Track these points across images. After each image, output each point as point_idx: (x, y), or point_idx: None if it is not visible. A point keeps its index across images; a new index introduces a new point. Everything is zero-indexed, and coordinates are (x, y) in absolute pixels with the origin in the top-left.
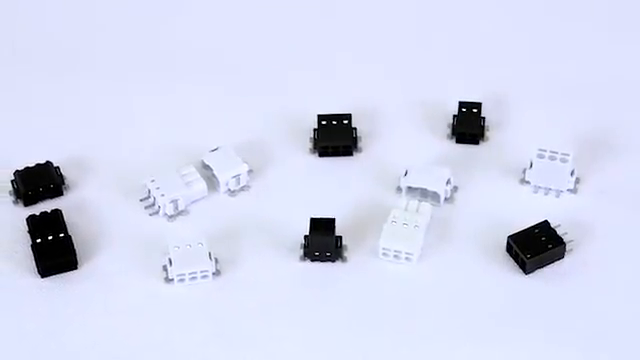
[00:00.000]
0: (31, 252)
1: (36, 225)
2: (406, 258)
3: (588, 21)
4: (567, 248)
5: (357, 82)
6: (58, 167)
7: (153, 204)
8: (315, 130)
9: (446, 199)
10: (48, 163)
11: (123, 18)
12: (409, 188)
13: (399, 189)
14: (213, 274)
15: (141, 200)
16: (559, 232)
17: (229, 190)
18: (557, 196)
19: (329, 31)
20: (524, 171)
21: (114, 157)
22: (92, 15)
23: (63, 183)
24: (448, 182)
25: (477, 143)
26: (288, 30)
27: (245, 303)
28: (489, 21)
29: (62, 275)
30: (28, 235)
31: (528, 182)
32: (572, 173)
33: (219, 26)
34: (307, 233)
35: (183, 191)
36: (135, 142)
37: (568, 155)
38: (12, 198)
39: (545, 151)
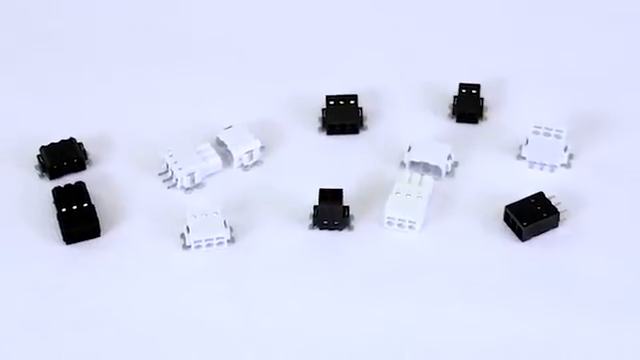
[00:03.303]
0: (57, 221)
1: (61, 196)
2: (409, 227)
3: (584, 8)
4: (561, 217)
5: (363, 65)
6: (81, 143)
7: (171, 177)
8: (323, 110)
9: (447, 173)
10: (72, 139)
11: (141, 2)
12: (412, 163)
13: (403, 164)
14: (228, 241)
15: (159, 174)
16: (553, 202)
17: (242, 165)
18: (551, 171)
19: (337, 18)
20: (520, 147)
21: (134, 135)
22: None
23: (86, 158)
24: (449, 157)
25: (476, 122)
26: (299, 17)
27: (258, 268)
28: (490, 7)
29: (86, 242)
30: (54, 206)
31: (524, 158)
32: (566, 149)
33: (235, 12)
34: (316, 204)
35: (199, 164)
36: (154, 121)
37: (562, 131)
38: (38, 172)
39: (540, 128)
